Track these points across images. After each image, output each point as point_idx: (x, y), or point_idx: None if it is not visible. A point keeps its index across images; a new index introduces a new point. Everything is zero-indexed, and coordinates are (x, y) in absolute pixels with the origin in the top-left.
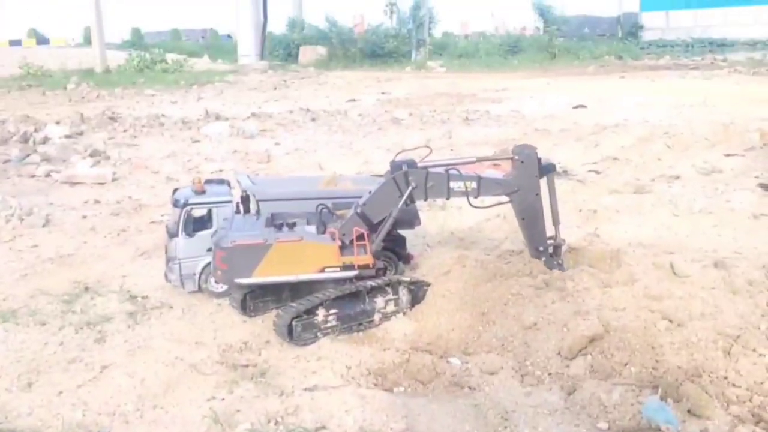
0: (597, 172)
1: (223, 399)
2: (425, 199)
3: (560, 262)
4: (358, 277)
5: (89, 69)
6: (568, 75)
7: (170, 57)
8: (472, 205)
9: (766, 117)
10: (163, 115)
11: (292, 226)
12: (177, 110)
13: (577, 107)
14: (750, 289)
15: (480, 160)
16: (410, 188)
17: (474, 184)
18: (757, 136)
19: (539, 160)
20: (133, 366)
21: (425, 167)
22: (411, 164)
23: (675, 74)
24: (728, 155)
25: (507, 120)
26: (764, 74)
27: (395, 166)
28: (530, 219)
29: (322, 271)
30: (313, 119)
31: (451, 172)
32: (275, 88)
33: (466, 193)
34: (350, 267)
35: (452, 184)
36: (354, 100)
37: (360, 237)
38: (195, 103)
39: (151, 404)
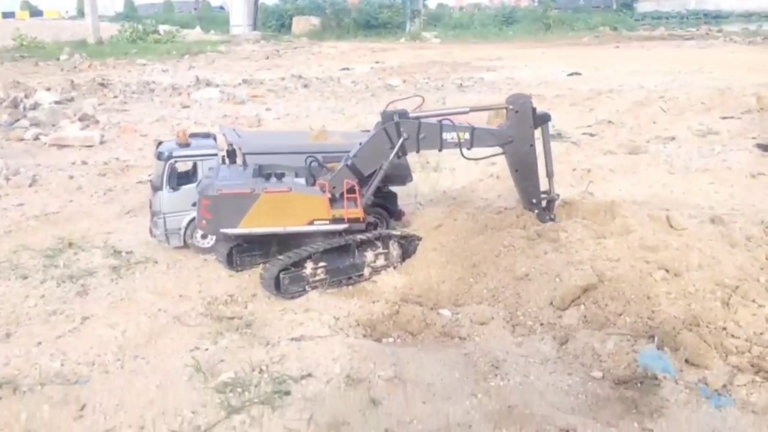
0: (591, 135)
1: (206, 349)
2: (417, 151)
3: (553, 216)
4: (348, 231)
5: (82, 40)
6: (563, 45)
7: (163, 28)
8: (465, 157)
9: (762, 83)
10: (153, 82)
11: (280, 176)
12: (168, 78)
13: (572, 74)
14: (748, 244)
15: (474, 110)
16: (402, 139)
17: (467, 135)
18: (753, 101)
19: (534, 109)
20: (114, 317)
21: (417, 118)
22: (403, 114)
23: (670, 44)
24: (725, 118)
25: (501, 86)
26: (760, 44)
27: (386, 116)
28: (524, 171)
29: (311, 223)
30: (306, 86)
31: (444, 122)
32: (267, 58)
33: (459, 145)
34: (340, 220)
35: (445, 135)
36: (347, 69)
37: (350, 190)
38: (186, 72)
39: (132, 354)
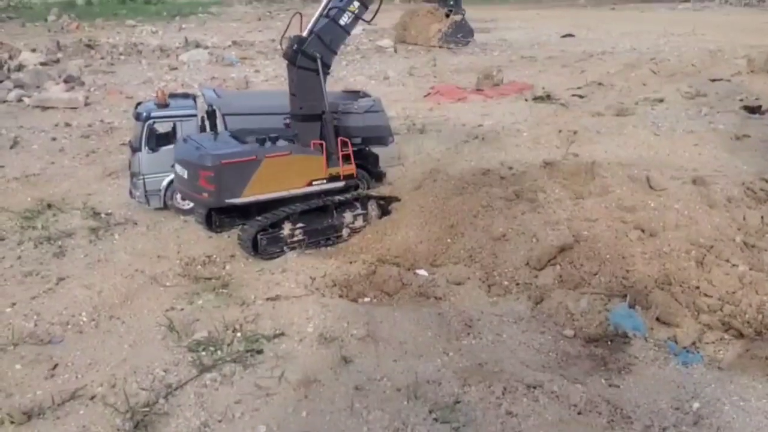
0: (581, 97)
1: (182, 309)
2: (336, 54)
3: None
4: (326, 192)
5: (71, 1)
6: (559, 7)
7: None
8: (369, 22)
9: (754, 45)
10: (141, 44)
11: (275, 140)
12: (157, 40)
13: (565, 36)
14: (728, 205)
15: None
16: (319, 59)
17: (356, 3)
18: (744, 63)
19: None
20: (90, 278)
21: (311, 32)
22: (299, 40)
23: (666, 6)
24: (714, 80)
25: (493, 48)
26: (755, 5)
27: (290, 54)
28: None
29: (310, 184)
30: None
31: (331, 12)
32: (259, 19)
33: (358, 17)
34: (336, 178)
35: (341, 21)
36: None
37: (344, 145)
38: (176, 34)
39: (107, 315)
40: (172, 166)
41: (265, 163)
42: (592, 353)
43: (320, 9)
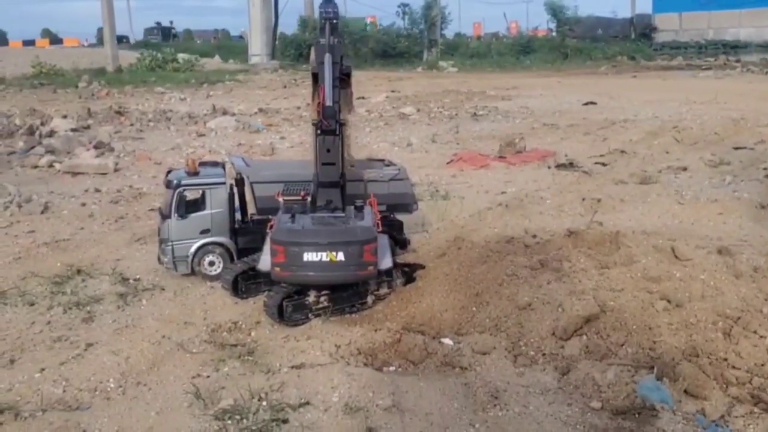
0: (603, 165)
1: (208, 376)
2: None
3: None
4: None
5: (101, 68)
6: (580, 75)
7: (181, 56)
8: None
9: None
10: (170, 111)
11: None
12: (185, 107)
13: (586, 104)
14: (754, 275)
15: None
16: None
17: None
18: (767, 131)
19: None
20: (118, 344)
21: (334, 101)
22: (337, 111)
23: (687, 74)
24: (737, 148)
25: (515, 115)
26: None
27: (333, 125)
28: None
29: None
30: None
31: (336, 82)
32: (285, 87)
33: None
34: None
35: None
36: (362, 98)
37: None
38: (204, 100)
39: (134, 381)
40: (201, 232)
41: None
42: (619, 426)
43: (330, 79)
